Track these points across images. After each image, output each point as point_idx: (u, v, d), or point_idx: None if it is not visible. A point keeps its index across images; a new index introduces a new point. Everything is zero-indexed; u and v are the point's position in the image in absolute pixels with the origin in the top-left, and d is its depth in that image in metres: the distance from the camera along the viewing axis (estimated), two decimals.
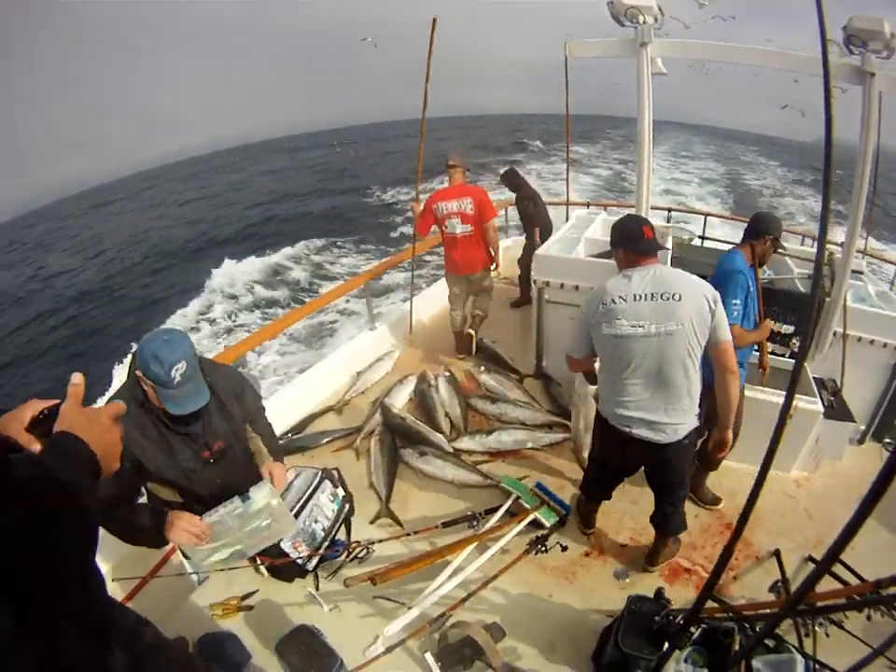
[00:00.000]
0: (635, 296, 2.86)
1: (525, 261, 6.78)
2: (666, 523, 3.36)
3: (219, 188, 45.22)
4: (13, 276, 27.45)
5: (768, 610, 2.37)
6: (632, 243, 3.02)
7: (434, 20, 4.87)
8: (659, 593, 2.55)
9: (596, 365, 3.36)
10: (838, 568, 3.03)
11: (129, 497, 2.60)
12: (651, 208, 4.47)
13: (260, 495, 2.70)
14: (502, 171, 7.46)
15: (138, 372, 2.36)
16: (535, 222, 7.15)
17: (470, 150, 38.06)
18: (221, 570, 2.88)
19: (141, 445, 2.50)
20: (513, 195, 7.39)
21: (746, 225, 3.75)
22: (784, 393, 3.73)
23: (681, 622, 2.20)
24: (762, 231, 3.63)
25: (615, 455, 3.33)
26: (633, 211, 4.54)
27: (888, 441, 4.84)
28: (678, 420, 2.97)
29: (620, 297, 2.89)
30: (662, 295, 2.81)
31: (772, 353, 4.56)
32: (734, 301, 3.43)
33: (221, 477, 2.82)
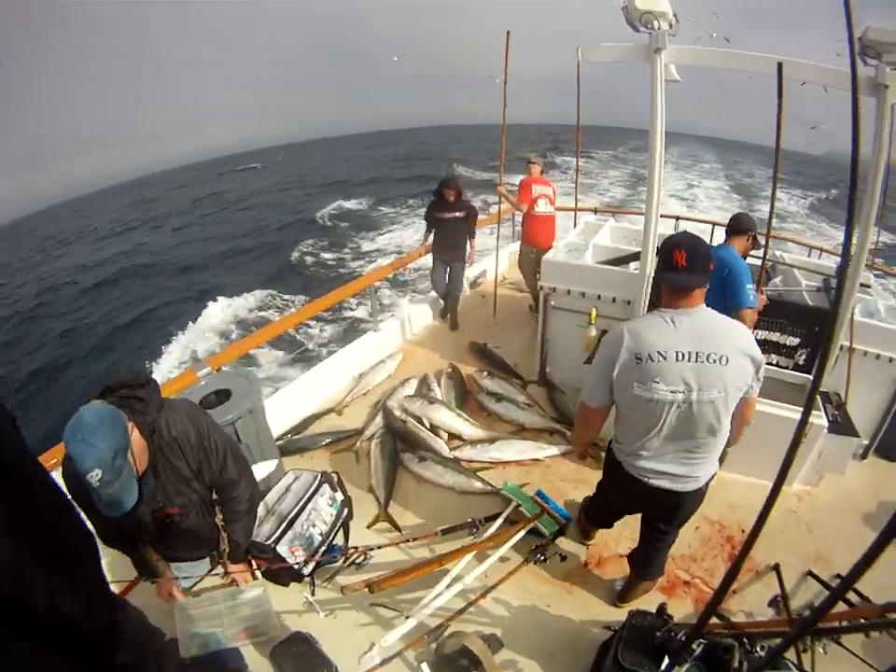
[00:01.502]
0: (677, 354, 2.41)
1: None
2: (647, 565, 3.21)
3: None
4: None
5: (769, 630, 2.34)
6: (664, 271, 2.52)
7: (508, 33, 5.07)
8: (661, 608, 2.52)
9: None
10: (837, 584, 3.01)
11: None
12: (661, 216, 4.43)
13: (253, 592, 2.76)
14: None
15: None
16: None
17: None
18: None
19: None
20: None
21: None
22: (790, 407, 3.71)
23: (683, 638, 2.17)
24: (745, 229, 4.10)
25: (627, 497, 3.06)
26: (642, 219, 4.50)
27: None
28: (700, 473, 2.70)
29: (660, 353, 2.42)
30: (708, 357, 2.39)
31: (777, 365, 4.54)
32: (749, 287, 3.67)
33: (179, 540, 2.73)
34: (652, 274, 4.48)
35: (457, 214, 6.58)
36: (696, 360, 2.39)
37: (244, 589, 2.84)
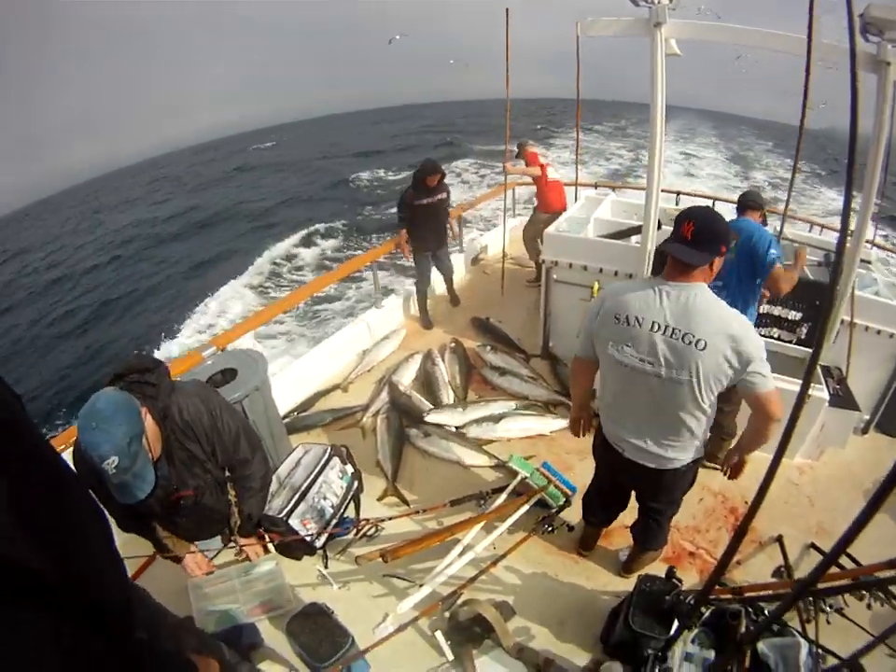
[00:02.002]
0: (653, 324, 2.36)
1: None
2: (648, 538, 3.22)
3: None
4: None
5: (773, 592, 2.39)
6: (668, 241, 2.45)
7: (507, 10, 5.04)
8: (671, 572, 2.57)
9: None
10: (842, 558, 3.06)
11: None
12: (661, 191, 4.43)
13: (266, 566, 2.83)
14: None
15: None
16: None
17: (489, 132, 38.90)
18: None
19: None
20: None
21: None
22: (791, 379, 3.74)
23: (692, 602, 2.22)
24: (759, 205, 4.01)
25: (609, 474, 3.10)
26: (643, 193, 4.49)
27: None
28: (674, 455, 2.61)
29: (637, 318, 2.40)
30: (683, 336, 2.30)
31: (779, 339, 4.57)
32: (774, 251, 3.61)
33: (192, 520, 2.74)
34: (653, 248, 4.50)
35: (440, 196, 6.20)
36: (671, 336, 2.33)
37: (256, 563, 2.88)
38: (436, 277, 6.83)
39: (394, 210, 6.49)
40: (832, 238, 6.24)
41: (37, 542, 0.94)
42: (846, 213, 1.25)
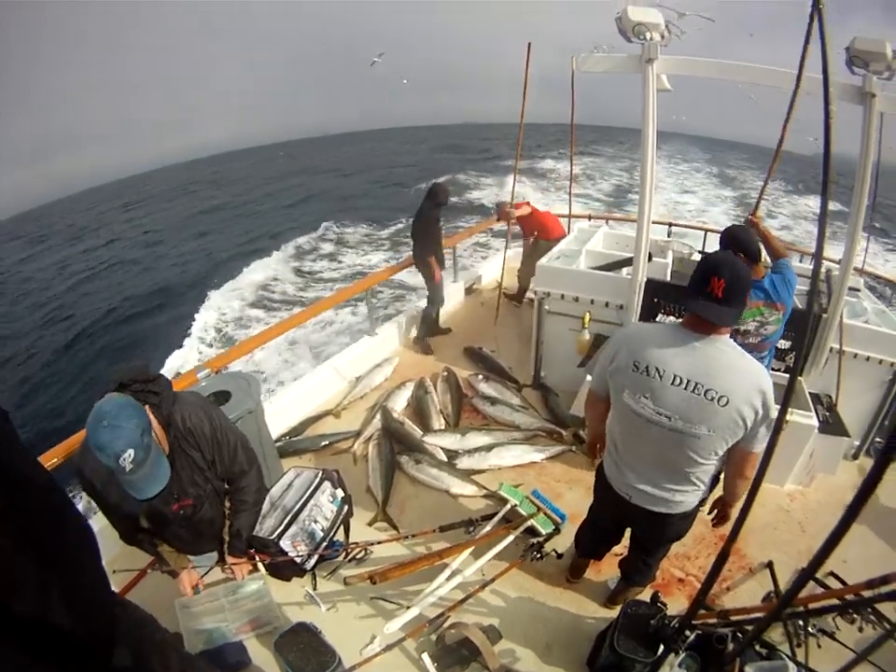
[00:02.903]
0: (674, 377, 2.23)
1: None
2: (637, 575, 3.21)
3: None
4: None
5: (759, 615, 2.40)
6: (692, 293, 2.26)
7: (529, 45, 5.11)
8: (655, 596, 2.57)
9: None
10: (831, 581, 3.08)
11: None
12: (653, 222, 4.50)
13: (253, 585, 2.85)
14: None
15: None
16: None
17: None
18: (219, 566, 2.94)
19: (108, 490, 2.35)
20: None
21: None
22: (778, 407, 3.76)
23: (676, 625, 2.23)
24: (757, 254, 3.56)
25: (612, 512, 2.96)
26: (635, 225, 4.54)
27: (877, 440, 4.87)
28: (682, 498, 2.54)
29: (657, 370, 2.27)
30: (706, 392, 2.19)
31: (768, 367, 4.61)
32: None
33: (189, 530, 2.75)
34: (643, 280, 4.55)
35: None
36: (693, 391, 2.21)
37: (243, 583, 2.89)
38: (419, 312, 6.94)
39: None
40: (823, 267, 6.29)
41: (19, 578, 0.94)
42: (820, 239, 1.29)
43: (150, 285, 21.14)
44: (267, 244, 23.45)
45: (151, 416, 2.27)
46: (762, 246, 3.55)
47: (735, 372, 2.19)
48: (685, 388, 2.21)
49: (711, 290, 2.16)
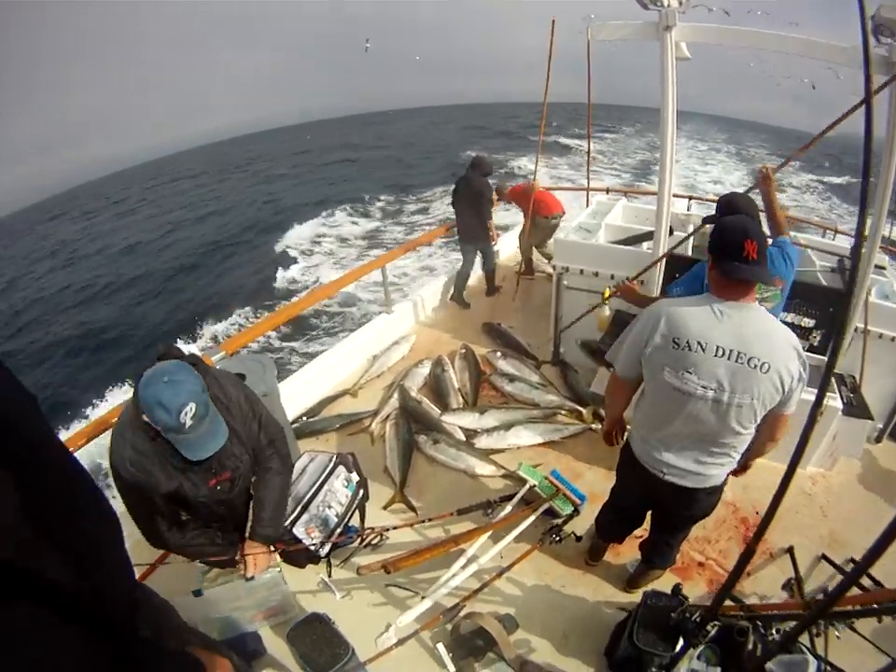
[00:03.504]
0: (717, 349, 2.23)
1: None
2: (658, 557, 3.19)
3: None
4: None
5: (788, 611, 2.35)
6: (727, 260, 2.27)
7: (553, 21, 4.99)
8: (677, 588, 2.53)
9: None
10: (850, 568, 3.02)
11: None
12: (673, 196, 4.39)
13: (269, 573, 2.79)
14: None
15: (144, 417, 2.12)
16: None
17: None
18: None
19: (146, 469, 2.30)
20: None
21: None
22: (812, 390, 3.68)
23: (698, 619, 2.18)
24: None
25: (638, 492, 2.94)
26: (654, 199, 4.44)
27: None
28: (716, 472, 2.55)
29: (699, 343, 2.26)
30: (749, 360, 2.20)
31: None
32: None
33: (226, 505, 2.72)
34: (665, 253, 4.46)
35: None
36: (737, 361, 2.22)
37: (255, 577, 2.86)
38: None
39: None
40: (845, 243, 6.17)
41: (47, 547, 0.93)
42: (861, 219, 1.22)
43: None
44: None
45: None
46: (762, 217, 3.57)
47: (772, 337, 2.24)
48: (728, 359, 2.22)
49: (747, 254, 2.20)
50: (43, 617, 0.92)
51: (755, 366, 2.19)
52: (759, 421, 2.36)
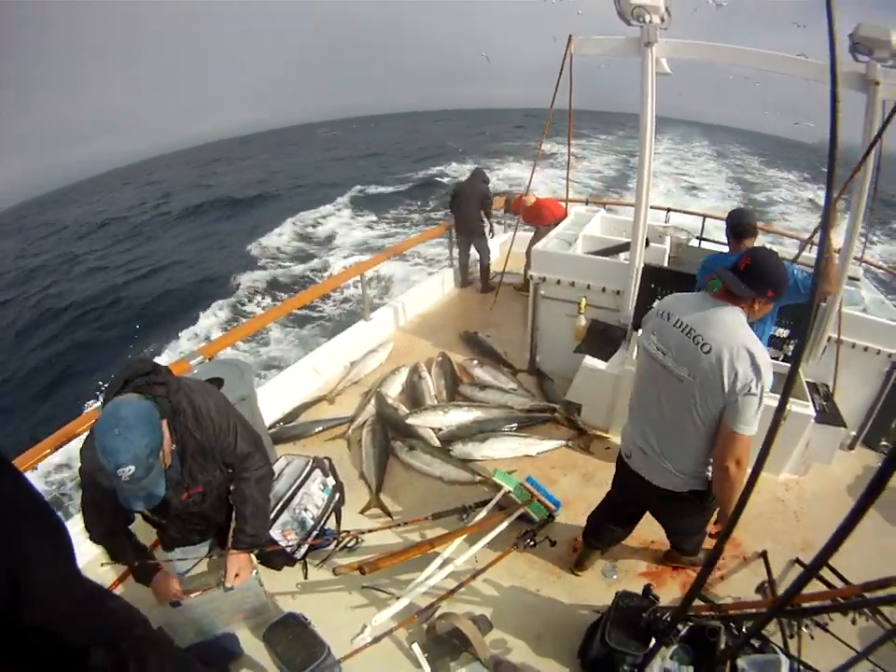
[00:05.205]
0: (677, 322, 2.52)
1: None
2: (679, 549, 3.39)
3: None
4: None
5: (755, 610, 2.38)
6: (724, 270, 2.50)
7: (569, 38, 5.03)
8: (647, 589, 2.56)
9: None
10: (825, 573, 3.05)
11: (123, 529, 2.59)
12: (651, 207, 4.45)
13: (247, 583, 2.78)
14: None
15: None
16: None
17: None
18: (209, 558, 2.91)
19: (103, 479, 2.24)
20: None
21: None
22: (776, 395, 3.74)
23: (668, 619, 2.21)
24: (756, 230, 3.83)
25: (620, 483, 3.15)
26: (632, 210, 4.51)
27: (883, 443, 4.86)
28: (672, 468, 2.65)
29: (668, 314, 2.59)
30: (695, 337, 2.43)
31: None
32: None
33: (198, 516, 2.74)
34: (641, 265, 4.52)
35: None
36: (685, 333, 2.47)
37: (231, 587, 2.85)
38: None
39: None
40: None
41: None
42: (824, 228, 1.25)
43: None
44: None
45: (165, 431, 2.24)
46: (755, 226, 3.81)
47: (728, 330, 2.40)
48: (681, 331, 2.50)
49: (738, 264, 2.46)
50: None
51: (698, 343, 2.41)
52: (702, 412, 2.45)
